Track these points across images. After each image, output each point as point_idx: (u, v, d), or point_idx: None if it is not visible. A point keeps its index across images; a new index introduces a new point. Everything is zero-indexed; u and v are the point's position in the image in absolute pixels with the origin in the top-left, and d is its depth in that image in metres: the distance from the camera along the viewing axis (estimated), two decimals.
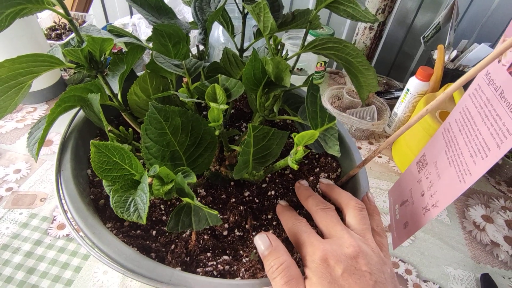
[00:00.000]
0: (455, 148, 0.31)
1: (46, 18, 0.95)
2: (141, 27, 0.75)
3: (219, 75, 0.30)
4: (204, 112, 0.48)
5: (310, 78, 0.27)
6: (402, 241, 0.37)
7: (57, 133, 0.75)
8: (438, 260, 0.60)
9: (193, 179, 0.25)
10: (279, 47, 0.34)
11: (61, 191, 0.31)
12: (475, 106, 0.29)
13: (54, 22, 0.97)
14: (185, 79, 0.31)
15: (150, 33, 0.78)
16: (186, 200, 0.25)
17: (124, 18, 1.01)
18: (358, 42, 0.94)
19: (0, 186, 0.62)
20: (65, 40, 0.91)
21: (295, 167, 0.25)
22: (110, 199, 0.23)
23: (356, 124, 0.75)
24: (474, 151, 0.28)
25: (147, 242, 0.31)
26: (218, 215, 0.24)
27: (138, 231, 0.32)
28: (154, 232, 0.32)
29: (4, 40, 0.68)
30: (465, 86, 0.31)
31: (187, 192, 0.24)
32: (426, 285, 0.56)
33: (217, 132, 0.28)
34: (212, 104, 0.27)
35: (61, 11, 0.33)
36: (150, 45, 0.41)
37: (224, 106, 0.27)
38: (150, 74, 0.38)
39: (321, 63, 0.91)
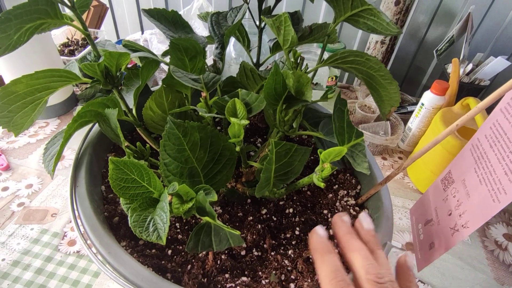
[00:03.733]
0: (486, 166, 0.29)
1: (60, 34, 0.97)
2: (153, 42, 0.76)
3: (239, 89, 0.29)
4: (219, 127, 0.47)
5: (339, 92, 0.26)
6: (428, 263, 0.35)
7: (68, 148, 0.75)
8: (460, 281, 0.57)
9: (214, 197, 0.24)
10: (298, 60, 0.33)
11: (75, 208, 0.30)
12: (508, 121, 0.28)
13: (67, 38, 0.99)
14: (203, 94, 0.30)
15: (162, 49, 0.79)
16: (205, 219, 0.24)
17: (135, 34, 1.03)
18: (371, 54, 0.94)
19: (12, 201, 0.62)
20: (79, 56, 0.92)
21: (322, 185, 0.24)
22: (129, 218, 0.22)
23: (370, 139, 0.74)
24: (509, 168, 0.26)
25: (163, 262, 0.30)
26: (240, 235, 0.23)
27: (153, 250, 0.31)
28: (169, 252, 0.31)
29: (19, 56, 0.69)
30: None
31: (208, 211, 0.23)
32: None
33: (238, 148, 0.27)
34: (232, 120, 0.26)
35: (80, 26, 0.34)
36: (166, 59, 0.41)
37: (245, 122, 0.26)
38: (165, 88, 0.38)
39: (332, 78, 0.91)
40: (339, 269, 0.24)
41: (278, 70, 0.28)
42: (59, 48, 0.95)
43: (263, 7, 0.39)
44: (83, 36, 1.01)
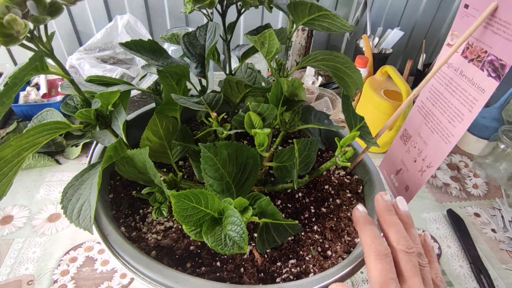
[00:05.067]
0: (433, 119, 0.40)
1: None
2: (84, 68, 0.71)
3: (248, 103, 0.32)
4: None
5: (343, 91, 0.32)
6: (409, 201, 0.45)
7: (14, 206, 0.66)
8: (415, 210, 0.71)
9: (268, 199, 0.27)
10: (280, 66, 0.38)
11: (118, 255, 0.30)
12: (441, 84, 0.38)
13: None
14: (213, 114, 0.33)
15: (97, 73, 0.73)
16: (263, 220, 0.28)
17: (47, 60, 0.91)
18: (295, 43, 1.04)
19: None
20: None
21: (348, 164, 0.30)
22: (206, 241, 0.25)
23: None
24: (451, 118, 0.37)
25: (218, 274, 0.32)
26: (298, 223, 0.28)
27: (203, 268, 0.33)
28: (218, 264, 0.33)
29: None
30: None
31: (270, 212, 0.26)
32: None
33: (265, 154, 0.31)
34: (256, 131, 0.30)
35: (61, 72, 0.32)
36: (141, 86, 0.41)
37: (268, 130, 0.30)
38: (159, 116, 0.38)
39: (269, 69, 0.98)
40: (377, 236, 0.28)
41: (279, 80, 0.32)
42: None
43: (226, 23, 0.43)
44: None
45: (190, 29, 0.51)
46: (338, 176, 0.44)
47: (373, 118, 0.78)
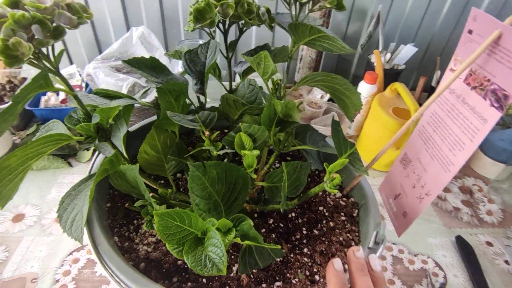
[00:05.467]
0: (433, 145, 0.39)
1: None
2: (99, 76, 0.74)
3: (240, 123, 0.33)
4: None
5: (333, 117, 0.32)
6: (405, 229, 0.43)
7: (26, 205, 0.69)
8: (421, 234, 0.69)
9: (251, 223, 0.28)
10: (277, 86, 0.38)
11: (106, 266, 0.31)
12: (442, 110, 0.37)
13: None
14: (206, 133, 0.33)
15: (110, 82, 0.77)
16: (246, 243, 0.28)
17: (68, 68, 0.96)
18: (305, 56, 1.04)
19: None
20: (7, 104, 0.83)
21: (335, 191, 0.29)
22: (186, 260, 0.25)
23: (323, 131, 0.83)
24: (451, 146, 0.36)
25: None
26: (280, 248, 0.28)
27: (189, 284, 0.33)
28: (204, 280, 0.34)
29: None
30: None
31: (252, 236, 0.26)
32: (417, 258, 0.64)
33: (254, 176, 0.31)
34: (245, 152, 0.30)
35: (66, 88, 0.33)
36: (144, 100, 0.42)
37: (257, 152, 0.30)
38: (156, 130, 0.40)
39: (278, 81, 0.98)
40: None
41: (271, 102, 0.32)
42: None
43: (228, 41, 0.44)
44: (7, 79, 0.91)
45: (201, 42, 0.52)
46: (334, 197, 0.44)
47: (380, 136, 0.76)
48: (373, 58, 0.94)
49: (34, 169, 0.74)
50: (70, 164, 0.77)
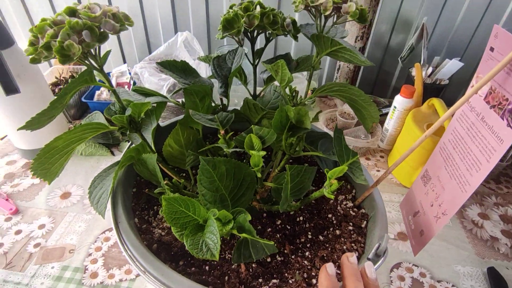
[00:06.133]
0: (452, 164, 0.37)
1: (48, 74, 1.00)
2: (144, 75, 0.81)
3: (252, 126, 0.35)
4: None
5: (335, 125, 0.33)
6: (422, 247, 0.42)
7: (73, 184, 0.78)
8: (447, 260, 0.65)
9: (249, 217, 0.30)
10: (294, 94, 0.40)
11: (123, 241, 0.35)
12: (463, 128, 0.36)
13: (56, 77, 1.02)
14: (222, 132, 0.36)
15: (153, 81, 0.84)
16: (243, 235, 0.30)
17: (121, 66, 1.07)
18: (343, 67, 1.03)
19: (28, 243, 0.64)
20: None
21: (332, 197, 0.30)
22: (185, 243, 0.28)
23: (353, 143, 0.82)
24: (469, 165, 0.34)
25: (203, 277, 0.35)
26: (274, 244, 0.29)
27: (193, 269, 0.36)
28: (207, 268, 0.36)
29: (17, 102, 0.72)
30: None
31: (247, 229, 0.28)
32: (440, 285, 0.61)
33: (259, 175, 0.33)
34: (252, 152, 0.33)
35: (107, 84, 0.39)
36: (176, 100, 0.46)
37: (263, 153, 0.32)
38: (181, 127, 0.43)
39: (311, 90, 0.99)
40: None
41: (283, 108, 0.34)
42: (51, 88, 0.98)
43: (255, 48, 0.46)
44: (70, 74, 1.04)
45: None
46: (344, 206, 0.44)
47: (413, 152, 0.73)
48: (414, 72, 0.90)
49: (82, 154, 0.84)
50: (112, 153, 0.85)
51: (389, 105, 0.93)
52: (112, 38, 1.20)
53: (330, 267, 0.30)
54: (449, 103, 0.71)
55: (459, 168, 0.36)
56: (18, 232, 0.66)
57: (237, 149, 0.35)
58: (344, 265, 0.30)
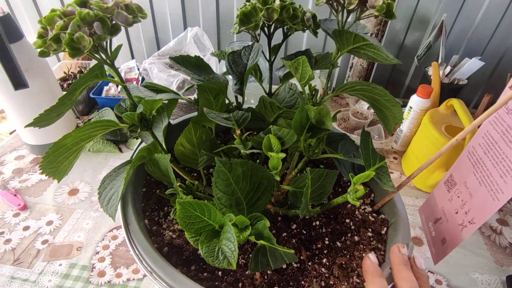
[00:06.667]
0: (483, 170, 0.35)
1: (57, 69, 0.99)
2: (153, 71, 0.80)
3: (271, 126, 0.33)
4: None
5: (363, 127, 0.31)
6: (443, 257, 0.40)
7: (81, 181, 0.77)
8: (464, 267, 0.62)
9: (267, 223, 0.28)
10: (313, 92, 0.38)
11: (133, 244, 0.34)
12: (497, 132, 0.33)
13: (64, 72, 1.01)
14: (238, 131, 0.34)
15: (163, 77, 0.82)
16: (261, 242, 0.28)
17: (129, 62, 1.06)
18: (356, 64, 1.01)
19: (36, 239, 0.64)
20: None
21: (357, 203, 0.28)
22: (200, 250, 0.26)
23: None
24: (503, 172, 0.32)
25: (216, 283, 0.33)
26: (293, 252, 0.27)
27: (205, 274, 0.34)
28: (220, 273, 0.35)
29: (26, 97, 0.71)
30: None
31: (266, 236, 0.27)
32: None
33: (277, 178, 0.31)
34: (271, 154, 0.31)
35: (118, 79, 0.37)
36: (188, 97, 0.44)
37: (282, 155, 0.31)
38: (194, 125, 0.42)
39: (323, 89, 0.97)
40: None
41: (303, 107, 0.32)
42: (59, 83, 0.97)
43: (271, 45, 0.44)
44: (78, 69, 1.03)
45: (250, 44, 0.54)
46: (363, 211, 0.42)
47: (428, 154, 0.71)
48: (431, 71, 0.87)
49: (90, 151, 0.83)
50: (120, 150, 0.84)
51: (404, 105, 0.90)
52: (121, 33, 1.18)
53: (372, 256, 0.33)
54: (466, 104, 0.68)
55: (491, 174, 0.34)
56: (26, 228, 0.66)
57: (255, 150, 0.33)
58: (395, 254, 0.32)
